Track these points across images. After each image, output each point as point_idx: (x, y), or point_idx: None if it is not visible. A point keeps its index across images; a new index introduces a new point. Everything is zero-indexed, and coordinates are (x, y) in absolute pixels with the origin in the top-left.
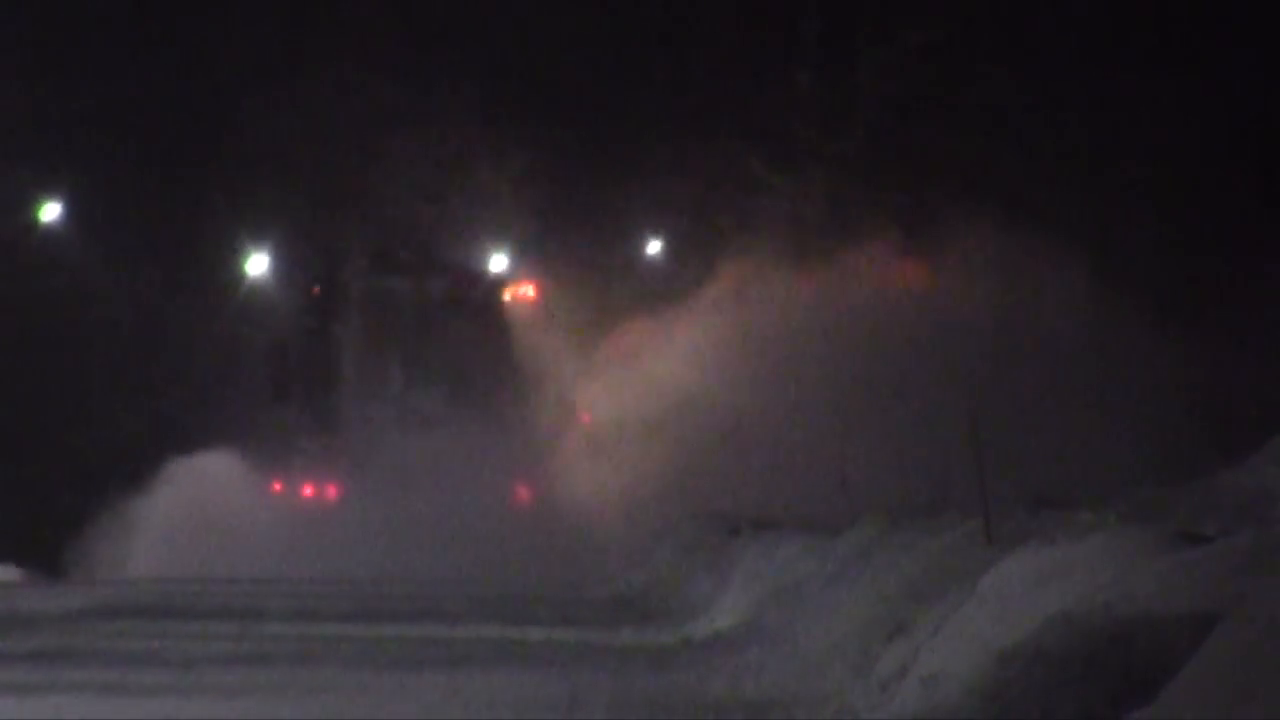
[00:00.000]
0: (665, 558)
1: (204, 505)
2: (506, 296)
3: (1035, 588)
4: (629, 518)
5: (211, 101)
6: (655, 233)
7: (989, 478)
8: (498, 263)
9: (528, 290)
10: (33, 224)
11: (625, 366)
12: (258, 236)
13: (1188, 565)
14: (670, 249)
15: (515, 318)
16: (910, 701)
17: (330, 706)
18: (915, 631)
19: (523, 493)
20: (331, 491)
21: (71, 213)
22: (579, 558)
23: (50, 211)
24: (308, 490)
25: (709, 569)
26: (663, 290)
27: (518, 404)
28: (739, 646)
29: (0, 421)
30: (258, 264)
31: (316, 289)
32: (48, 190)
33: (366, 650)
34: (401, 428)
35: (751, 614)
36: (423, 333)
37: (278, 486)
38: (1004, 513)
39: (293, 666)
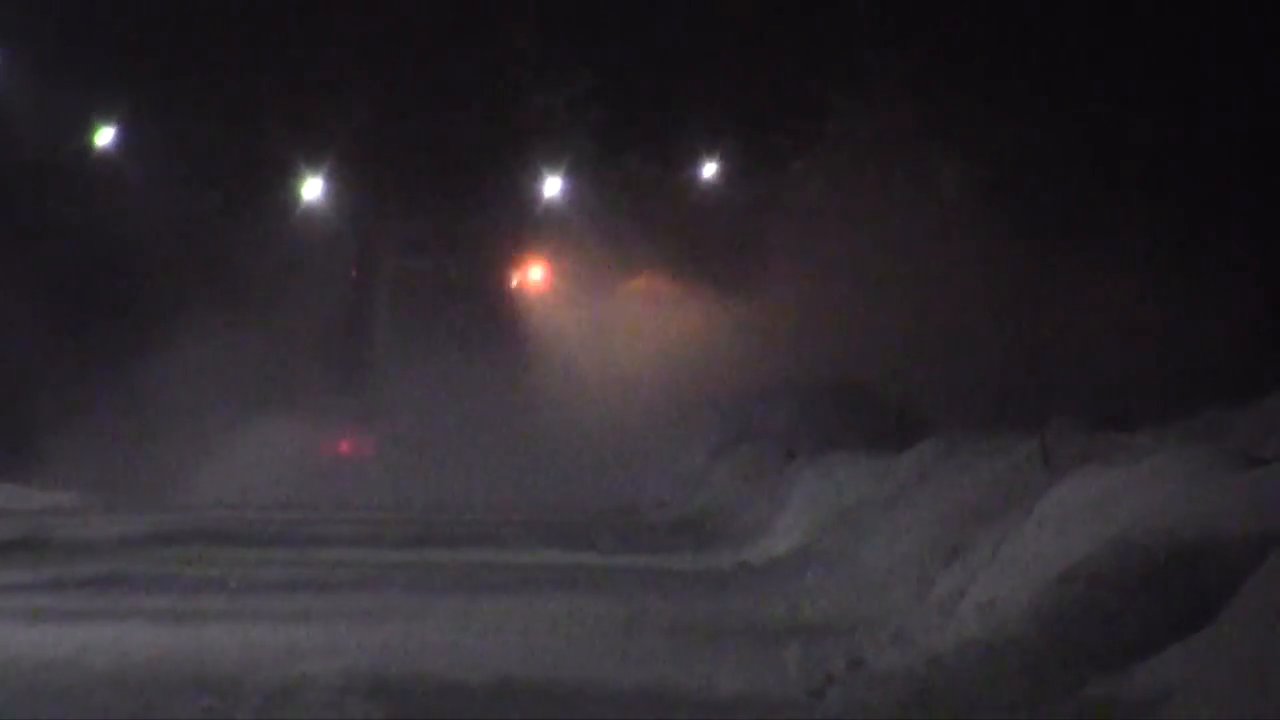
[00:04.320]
0: (722, 482)
1: (252, 457)
2: (519, 275)
3: (1094, 510)
4: (684, 443)
5: (266, 22)
6: (710, 154)
7: (1047, 399)
8: (551, 186)
9: (538, 270)
10: (88, 147)
11: (676, 294)
12: (313, 160)
13: (1247, 487)
14: (727, 171)
15: (530, 290)
16: (968, 624)
17: (389, 631)
18: (973, 554)
19: (559, 426)
20: (368, 447)
21: (126, 136)
22: (632, 484)
23: (105, 135)
24: (345, 447)
25: (766, 493)
26: (717, 213)
27: (539, 361)
28: (796, 570)
29: (58, 347)
30: (313, 188)
31: (355, 271)
32: (102, 114)
33: (424, 575)
34: (429, 390)
35: (809, 538)
36: (444, 306)
37: (322, 446)
38: (1062, 434)
39: (351, 591)
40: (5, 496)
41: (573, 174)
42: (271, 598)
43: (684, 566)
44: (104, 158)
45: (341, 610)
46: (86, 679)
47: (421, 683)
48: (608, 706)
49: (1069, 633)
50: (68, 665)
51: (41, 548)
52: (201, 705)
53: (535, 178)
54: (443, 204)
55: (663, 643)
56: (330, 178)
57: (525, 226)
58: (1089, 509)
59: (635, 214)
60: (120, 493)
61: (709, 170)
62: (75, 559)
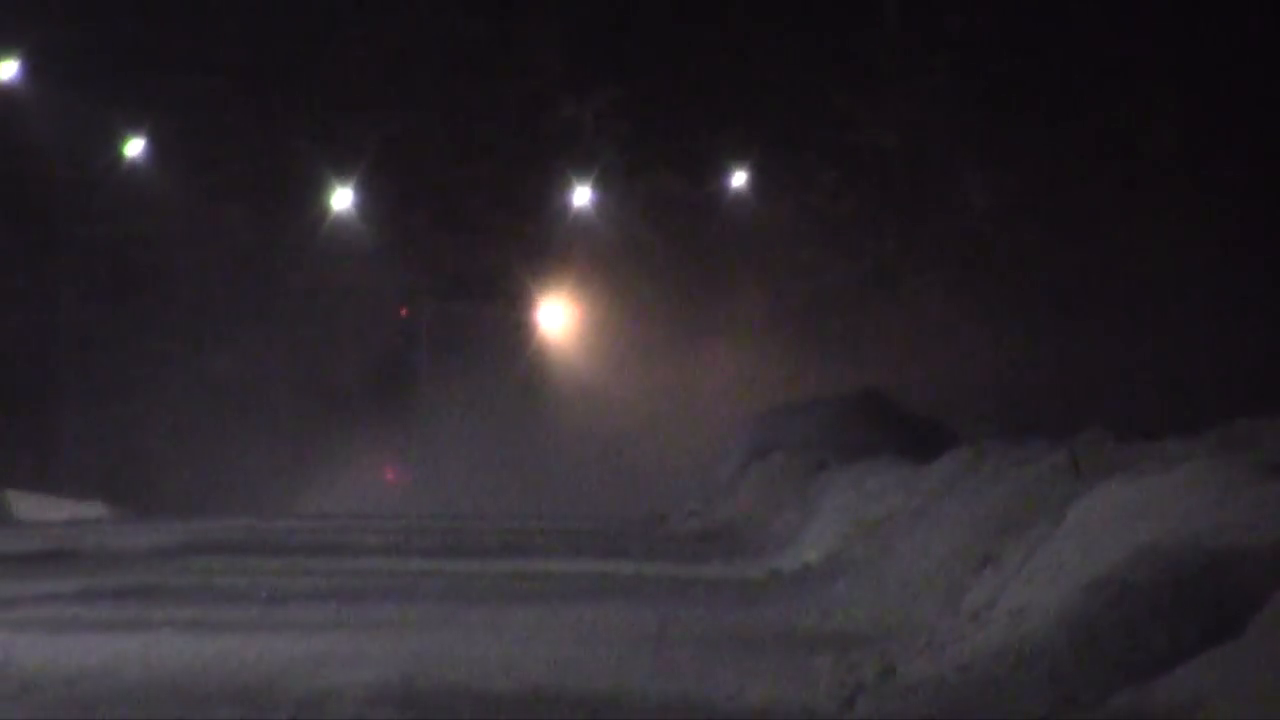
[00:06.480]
0: (752, 492)
1: (285, 474)
2: (550, 315)
3: (1123, 519)
4: (714, 454)
5: (294, 35)
6: (738, 166)
7: (1076, 408)
8: (580, 196)
9: (567, 284)
10: (118, 160)
11: (705, 305)
12: (343, 172)
13: (1277, 497)
14: (754, 183)
15: (557, 331)
16: (998, 633)
17: (419, 641)
18: (1003, 563)
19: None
20: (405, 477)
21: (156, 149)
22: (662, 495)
23: (135, 148)
24: (389, 475)
25: (796, 503)
26: (745, 224)
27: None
28: (827, 579)
29: (88, 360)
30: (342, 199)
31: (404, 311)
32: (132, 127)
33: (454, 585)
34: (464, 408)
35: (839, 547)
36: (482, 348)
37: (381, 473)
38: (1092, 443)
39: (381, 601)
40: (35, 507)
41: (600, 186)
42: (301, 608)
43: (714, 576)
44: (133, 170)
45: (371, 620)
46: (116, 690)
47: (451, 693)
48: (638, 716)
49: (1098, 641)
50: (97, 676)
51: (71, 558)
52: (231, 716)
53: (563, 190)
54: (472, 222)
55: (693, 652)
56: (359, 190)
57: (554, 239)
58: (1119, 518)
59: (663, 226)
60: (149, 504)
61: (737, 181)
62: (105, 569)
